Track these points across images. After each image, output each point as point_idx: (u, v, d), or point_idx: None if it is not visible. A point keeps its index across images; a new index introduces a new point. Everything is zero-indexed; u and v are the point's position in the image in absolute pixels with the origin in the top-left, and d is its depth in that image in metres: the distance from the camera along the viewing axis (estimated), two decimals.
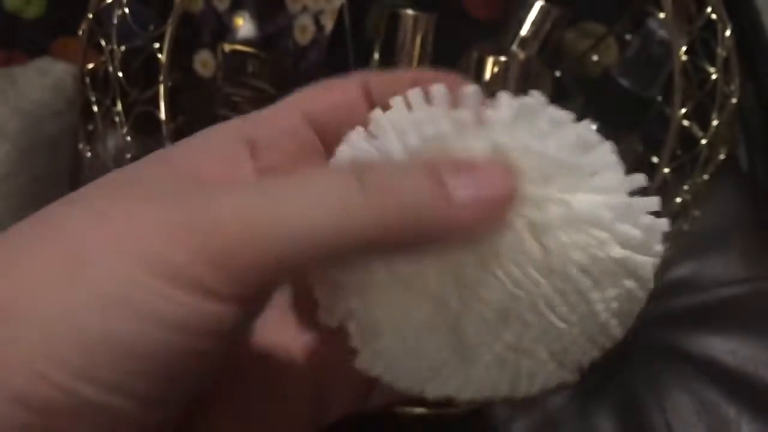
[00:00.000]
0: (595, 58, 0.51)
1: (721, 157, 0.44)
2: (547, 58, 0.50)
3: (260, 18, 0.42)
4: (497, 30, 0.51)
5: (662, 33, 0.42)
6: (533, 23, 0.47)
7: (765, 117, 0.72)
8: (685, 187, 0.43)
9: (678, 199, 0.43)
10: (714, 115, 0.41)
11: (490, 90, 0.43)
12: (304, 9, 0.40)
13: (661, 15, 0.44)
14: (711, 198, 0.62)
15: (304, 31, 0.40)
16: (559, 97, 0.51)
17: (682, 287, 0.58)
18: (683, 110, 0.39)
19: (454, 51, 0.51)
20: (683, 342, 0.55)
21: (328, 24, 0.40)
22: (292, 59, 0.40)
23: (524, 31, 0.47)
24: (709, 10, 0.40)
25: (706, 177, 0.42)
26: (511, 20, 0.48)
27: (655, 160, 0.46)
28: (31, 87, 0.57)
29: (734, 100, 0.42)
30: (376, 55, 0.47)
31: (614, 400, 0.53)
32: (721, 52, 0.40)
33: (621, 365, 0.54)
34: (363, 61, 0.48)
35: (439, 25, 0.51)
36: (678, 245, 0.60)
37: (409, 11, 0.45)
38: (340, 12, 0.40)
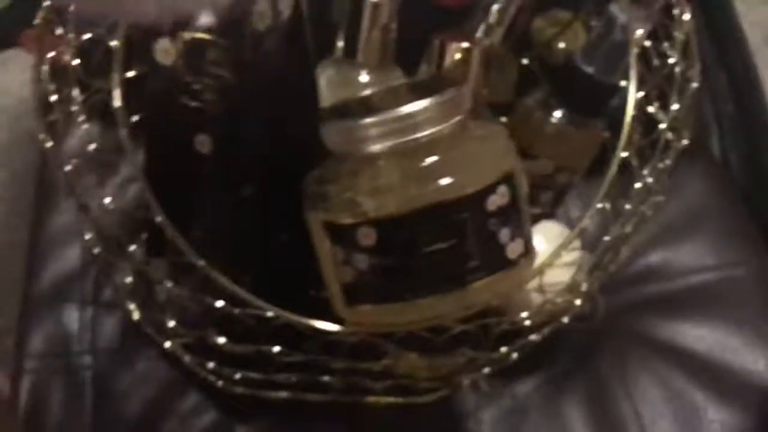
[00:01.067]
0: (561, 45, 0.51)
1: (684, 142, 0.43)
2: (514, 46, 0.50)
3: None
4: (466, 19, 0.50)
5: (624, 18, 0.41)
6: (498, 11, 0.47)
7: (737, 105, 0.72)
8: (645, 172, 0.42)
9: (638, 185, 0.43)
10: (673, 99, 0.41)
11: (451, 77, 0.43)
12: None
13: None
14: (681, 185, 0.62)
15: (262, 18, 0.39)
16: (525, 84, 0.51)
17: (651, 275, 0.58)
18: (640, 94, 0.38)
19: (423, 40, 0.51)
20: (652, 330, 0.55)
21: (286, 10, 0.39)
22: (251, 46, 0.40)
23: (489, 18, 0.47)
24: None
25: (667, 162, 0.42)
26: (477, 7, 0.48)
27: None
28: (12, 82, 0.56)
29: (694, 85, 0.41)
30: (340, 43, 0.46)
31: (582, 387, 0.53)
32: (679, 35, 0.40)
33: (589, 353, 0.54)
34: (327, 48, 0.47)
35: (407, 15, 0.50)
36: (647, 233, 0.60)
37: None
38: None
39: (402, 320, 0.38)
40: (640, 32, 0.42)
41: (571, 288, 0.45)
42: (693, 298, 0.57)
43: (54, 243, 0.56)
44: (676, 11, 0.41)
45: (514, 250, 0.37)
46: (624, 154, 0.39)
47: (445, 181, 0.35)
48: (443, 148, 0.35)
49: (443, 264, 0.36)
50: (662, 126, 0.41)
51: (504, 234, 0.37)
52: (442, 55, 0.43)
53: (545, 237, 0.48)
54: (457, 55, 0.43)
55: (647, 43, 0.44)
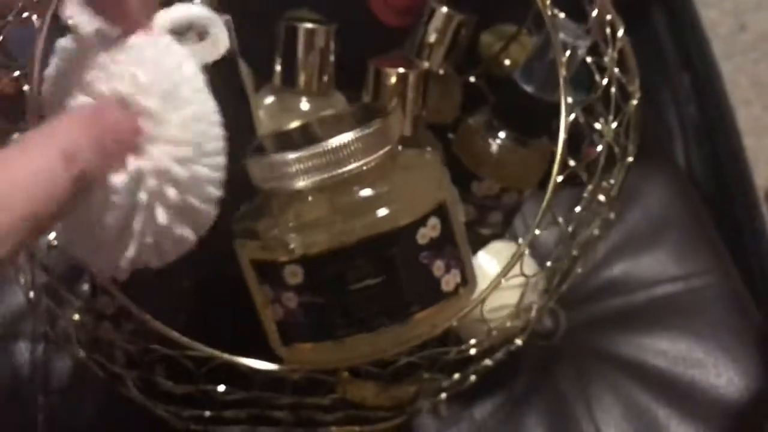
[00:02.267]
0: (507, 61, 0.50)
1: (630, 159, 0.42)
2: (459, 64, 0.49)
3: None
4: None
5: (562, 35, 0.40)
6: (436, 30, 0.45)
7: (700, 107, 0.71)
8: (585, 195, 0.41)
9: (577, 209, 0.41)
10: (609, 118, 0.39)
11: (379, 107, 0.42)
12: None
13: (561, 15, 0.42)
14: (643, 194, 0.61)
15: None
16: (471, 103, 0.50)
17: (613, 289, 0.57)
18: (572, 116, 0.37)
19: (366, 59, 0.50)
20: (614, 345, 0.54)
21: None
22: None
23: (427, 39, 0.45)
24: (595, 13, 0.38)
25: (611, 181, 0.41)
26: (416, 28, 0.47)
27: (572, 163, 0.44)
28: None
29: (635, 102, 0.40)
30: (278, 68, 0.45)
31: (543, 407, 0.52)
32: (611, 53, 0.38)
33: (549, 371, 0.53)
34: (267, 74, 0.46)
35: (349, 35, 0.49)
36: (609, 245, 0.59)
37: (307, 24, 0.43)
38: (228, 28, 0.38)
39: (341, 357, 0.36)
40: (581, 49, 0.41)
41: (521, 310, 0.43)
42: (655, 310, 0.56)
43: (3, 277, 0.55)
44: (611, 29, 0.40)
45: (449, 282, 0.36)
46: (559, 178, 0.38)
47: (373, 215, 0.34)
48: (372, 181, 0.34)
49: (374, 300, 0.35)
50: (599, 148, 0.39)
51: (437, 266, 0.36)
52: (377, 82, 0.42)
53: (496, 258, 0.47)
54: (393, 81, 0.42)
55: (588, 59, 0.42)
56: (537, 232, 0.38)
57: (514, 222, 0.50)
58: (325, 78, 0.44)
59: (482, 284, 0.42)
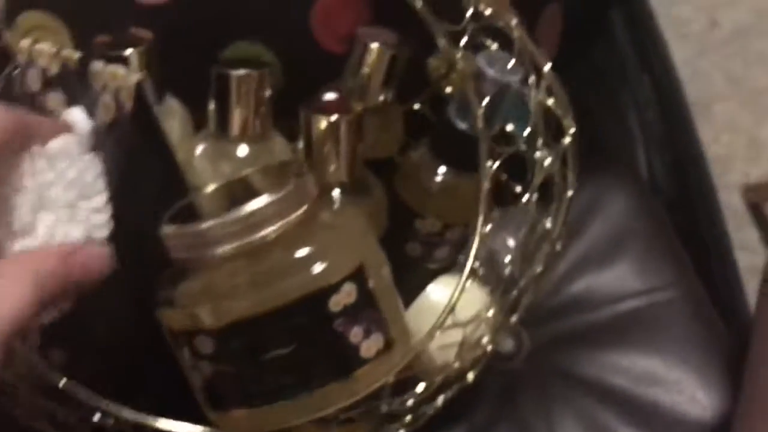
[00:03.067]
0: (448, 89, 0.49)
1: (570, 193, 0.41)
2: (403, 91, 0.48)
3: (71, 98, 0.40)
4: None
5: (492, 72, 0.39)
6: (370, 66, 0.45)
7: (661, 111, 0.70)
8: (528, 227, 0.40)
9: (506, 259, 0.41)
10: (546, 152, 0.39)
11: (320, 151, 0.41)
12: (105, 87, 0.38)
13: (494, 46, 0.42)
14: (604, 205, 0.60)
15: (107, 110, 0.38)
16: (414, 135, 0.49)
17: (576, 305, 0.57)
18: (497, 163, 0.36)
19: (309, 91, 0.49)
20: (577, 365, 0.54)
21: (128, 101, 0.37)
22: (101, 137, 0.38)
23: (361, 74, 0.45)
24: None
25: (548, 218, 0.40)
26: (349, 63, 0.46)
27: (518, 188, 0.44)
28: None
29: (568, 139, 0.39)
30: (211, 114, 0.45)
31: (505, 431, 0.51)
32: (535, 95, 0.38)
33: (512, 395, 0.53)
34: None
35: (291, 64, 0.49)
36: (571, 260, 0.58)
37: (238, 72, 0.43)
38: (139, 88, 0.38)
39: (273, 422, 0.36)
40: (512, 82, 0.40)
41: (470, 345, 0.43)
42: (619, 327, 0.55)
43: None
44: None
45: (369, 348, 0.36)
46: (487, 229, 0.37)
47: (287, 282, 0.33)
48: (290, 244, 0.33)
49: (287, 371, 0.34)
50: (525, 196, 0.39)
51: (355, 333, 0.35)
52: (309, 128, 0.41)
53: (447, 290, 0.47)
54: (325, 127, 0.41)
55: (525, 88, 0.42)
56: (466, 276, 0.38)
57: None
58: (261, 122, 0.44)
59: (433, 319, 0.42)
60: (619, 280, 0.57)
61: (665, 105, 0.68)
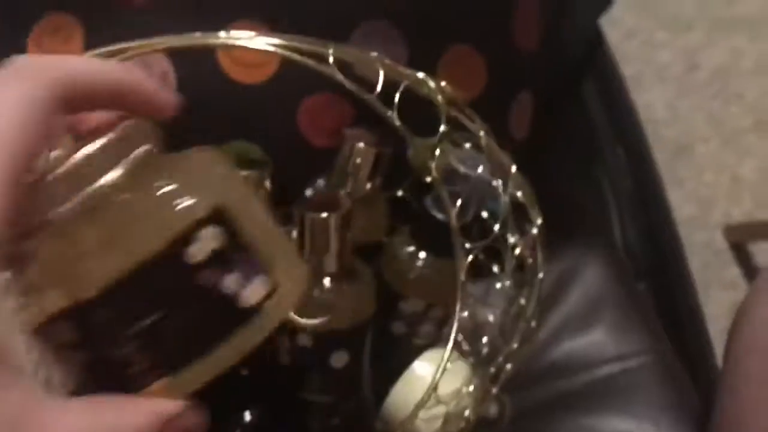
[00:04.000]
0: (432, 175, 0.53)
1: (540, 276, 0.46)
2: (386, 178, 0.52)
3: None
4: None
5: (463, 169, 0.44)
6: (356, 165, 0.49)
7: (634, 181, 0.75)
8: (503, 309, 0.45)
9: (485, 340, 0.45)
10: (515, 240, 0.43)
11: (312, 245, 0.45)
12: None
13: (467, 145, 0.46)
14: (581, 273, 0.65)
15: None
16: (399, 218, 0.53)
17: (555, 371, 0.61)
18: (469, 258, 0.41)
19: (297, 183, 0.53)
20: (557, 429, 0.58)
21: None
22: None
23: (348, 172, 0.49)
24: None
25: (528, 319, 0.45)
26: (337, 161, 0.50)
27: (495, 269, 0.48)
28: None
29: (535, 230, 0.44)
30: None
31: None
32: (504, 198, 0.42)
33: None
34: None
35: (278, 156, 0.53)
36: (550, 327, 0.62)
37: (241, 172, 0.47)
38: None
39: (198, 380, 0.32)
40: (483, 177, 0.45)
41: (454, 417, 0.47)
42: (596, 392, 0.59)
43: None
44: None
45: (254, 293, 0.32)
46: (465, 314, 0.41)
47: (128, 243, 0.30)
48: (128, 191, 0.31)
49: (171, 336, 0.31)
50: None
51: (229, 283, 0.31)
52: (302, 225, 0.45)
53: (433, 365, 0.51)
54: (317, 224, 0.45)
55: (495, 183, 0.46)
56: (446, 359, 0.42)
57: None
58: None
59: (419, 392, 0.46)
60: (596, 346, 0.61)
61: (638, 174, 0.73)
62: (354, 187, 0.50)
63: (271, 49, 0.42)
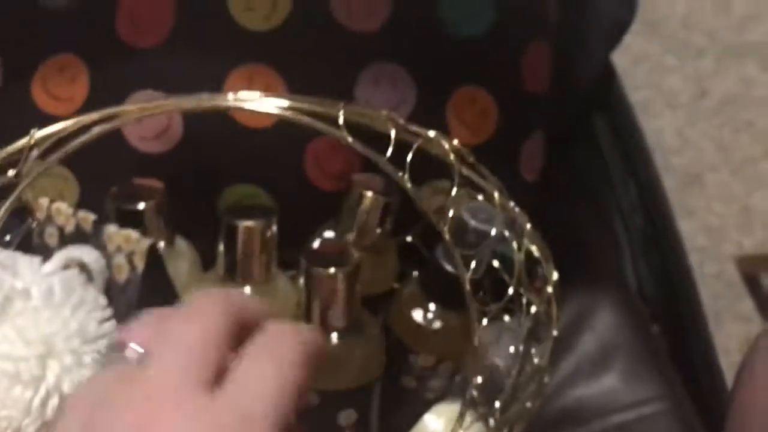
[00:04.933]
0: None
1: (554, 333, 0.45)
2: (392, 229, 0.52)
3: None
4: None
5: (474, 223, 0.44)
6: (364, 213, 0.49)
7: (646, 216, 0.74)
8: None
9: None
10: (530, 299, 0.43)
11: (320, 300, 0.45)
12: (119, 249, 0.42)
13: (479, 197, 0.46)
14: (592, 317, 0.64)
15: (120, 271, 0.42)
16: (410, 263, 0.53)
17: (568, 418, 0.60)
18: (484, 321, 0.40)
19: (303, 225, 0.53)
20: None
21: (140, 264, 0.41)
22: (113, 297, 0.42)
23: (357, 222, 0.49)
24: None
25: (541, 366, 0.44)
26: (344, 210, 0.50)
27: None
28: None
29: (551, 289, 0.43)
30: (220, 258, 0.48)
31: None
32: (518, 255, 0.42)
33: None
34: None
35: (286, 201, 0.53)
36: (563, 373, 0.61)
37: (245, 222, 0.47)
38: (151, 251, 0.42)
39: None
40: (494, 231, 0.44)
41: None
42: None
43: None
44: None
45: None
46: (479, 380, 0.41)
47: None
48: None
49: None
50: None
51: None
52: (309, 279, 0.45)
53: (442, 418, 0.50)
54: (324, 279, 0.45)
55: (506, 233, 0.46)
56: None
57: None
58: (265, 267, 0.48)
59: None
60: (608, 393, 0.60)
61: (650, 210, 0.72)
62: (362, 234, 0.49)
63: (279, 112, 0.41)
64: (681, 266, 0.70)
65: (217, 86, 0.53)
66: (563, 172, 0.72)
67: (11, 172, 0.41)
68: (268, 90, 0.54)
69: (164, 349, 0.30)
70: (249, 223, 0.46)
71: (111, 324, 0.40)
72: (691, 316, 0.67)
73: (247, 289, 0.48)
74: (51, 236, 0.44)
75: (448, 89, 0.55)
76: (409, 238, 0.55)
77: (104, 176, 0.52)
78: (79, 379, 0.39)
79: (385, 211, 0.49)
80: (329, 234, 0.52)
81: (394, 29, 0.54)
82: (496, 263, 0.48)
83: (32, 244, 0.45)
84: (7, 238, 0.46)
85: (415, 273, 0.53)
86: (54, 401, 0.38)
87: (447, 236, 0.41)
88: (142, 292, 0.42)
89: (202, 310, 0.31)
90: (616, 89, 0.79)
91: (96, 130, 0.42)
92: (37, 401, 0.37)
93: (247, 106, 0.42)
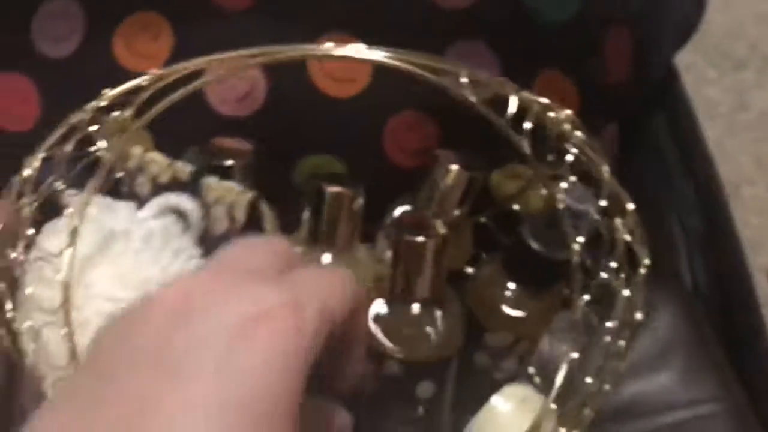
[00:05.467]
0: (516, 206, 0.53)
1: (638, 316, 0.45)
2: (470, 209, 0.52)
3: None
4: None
5: (569, 201, 0.43)
6: (448, 187, 0.49)
7: (704, 219, 0.74)
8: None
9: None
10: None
11: (407, 268, 0.45)
12: (218, 200, 0.42)
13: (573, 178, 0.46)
14: (650, 316, 0.64)
15: (217, 222, 0.42)
16: (479, 249, 0.53)
17: (625, 414, 0.60)
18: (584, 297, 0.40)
19: (380, 204, 0.53)
20: None
21: (241, 216, 0.41)
22: (208, 247, 0.42)
23: (439, 194, 0.49)
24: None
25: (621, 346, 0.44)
26: (427, 182, 0.50)
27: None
28: None
29: (643, 271, 0.43)
30: (304, 222, 0.48)
31: None
32: (620, 233, 0.42)
33: None
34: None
35: (362, 175, 0.53)
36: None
37: (334, 188, 0.47)
38: (252, 205, 0.42)
39: None
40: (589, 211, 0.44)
41: None
42: None
43: None
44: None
45: None
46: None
47: None
48: None
49: None
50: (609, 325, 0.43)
51: None
52: (397, 249, 0.45)
53: (510, 401, 0.50)
54: (415, 247, 0.45)
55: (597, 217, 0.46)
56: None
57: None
58: (348, 235, 0.48)
59: (499, 429, 0.45)
60: (665, 391, 0.60)
61: (709, 212, 0.72)
62: (442, 209, 0.49)
63: (401, 65, 0.41)
64: (739, 268, 0.70)
65: None
66: (621, 170, 0.72)
67: (128, 112, 0.41)
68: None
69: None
70: (338, 189, 0.47)
71: None
72: (747, 316, 0.67)
73: (328, 257, 0.48)
74: (142, 186, 0.44)
75: (532, 72, 0.55)
76: (482, 219, 0.55)
77: (180, 136, 0.52)
78: None
79: (468, 187, 0.49)
80: (404, 209, 0.52)
81: (483, 9, 0.54)
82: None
83: (120, 193, 0.45)
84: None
85: (485, 256, 0.53)
86: None
87: (561, 206, 0.40)
88: None
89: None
90: (678, 89, 0.79)
91: (197, 83, 0.42)
92: None
93: (357, 54, 0.42)
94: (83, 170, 0.44)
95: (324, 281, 0.32)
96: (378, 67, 0.53)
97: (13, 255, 0.39)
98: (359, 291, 0.34)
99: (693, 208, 0.74)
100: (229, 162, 0.46)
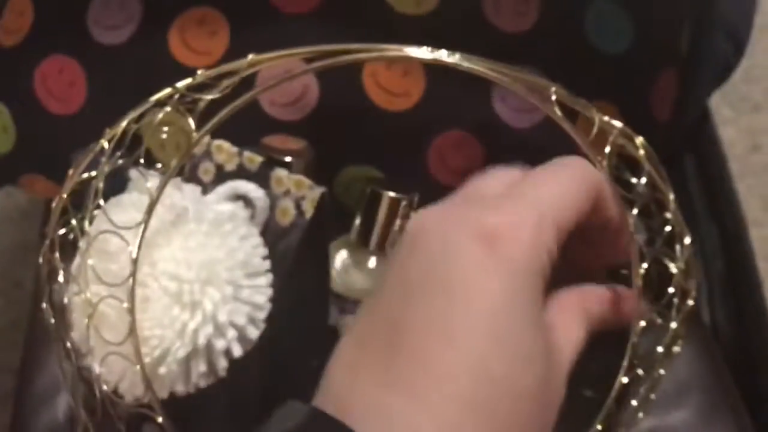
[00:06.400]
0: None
1: (677, 349, 0.46)
2: None
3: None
4: None
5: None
6: None
7: (728, 261, 0.75)
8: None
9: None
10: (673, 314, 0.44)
11: None
12: (287, 193, 0.42)
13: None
14: None
15: (284, 214, 0.42)
16: None
17: None
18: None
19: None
20: None
21: (310, 210, 0.42)
22: (271, 238, 0.42)
23: None
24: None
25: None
26: None
27: None
28: None
29: (691, 302, 0.44)
30: (353, 234, 0.49)
31: None
32: (679, 264, 0.43)
33: None
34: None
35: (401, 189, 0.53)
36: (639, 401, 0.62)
37: (391, 193, 0.48)
38: (321, 200, 0.42)
39: None
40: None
41: None
42: None
43: (43, 397, 0.57)
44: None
45: None
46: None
47: None
48: None
49: None
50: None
51: None
52: None
53: None
54: None
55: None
56: None
57: None
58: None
59: None
60: (681, 426, 0.61)
61: (732, 257, 0.73)
62: None
63: (494, 75, 0.42)
64: (759, 314, 0.71)
65: (357, 65, 0.54)
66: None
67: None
68: (407, 74, 0.54)
69: None
70: (395, 195, 0.48)
71: (269, 263, 0.40)
72: (765, 362, 0.68)
73: (373, 260, 0.49)
74: (206, 172, 0.44)
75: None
76: None
77: (226, 134, 0.52)
78: (233, 310, 0.39)
79: None
80: None
81: (540, 34, 0.55)
82: None
83: (182, 178, 0.45)
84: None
85: None
86: (208, 329, 0.38)
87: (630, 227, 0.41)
88: (303, 239, 0.42)
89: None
90: (709, 131, 0.80)
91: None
92: (192, 325, 0.37)
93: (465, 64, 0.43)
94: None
95: (554, 191, 0.39)
96: (431, 83, 0.55)
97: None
98: (593, 180, 0.41)
99: (717, 253, 0.75)
100: (289, 158, 0.46)
